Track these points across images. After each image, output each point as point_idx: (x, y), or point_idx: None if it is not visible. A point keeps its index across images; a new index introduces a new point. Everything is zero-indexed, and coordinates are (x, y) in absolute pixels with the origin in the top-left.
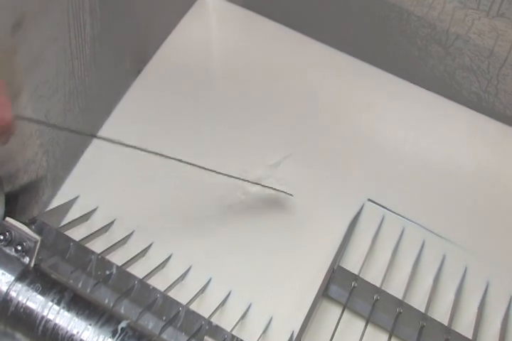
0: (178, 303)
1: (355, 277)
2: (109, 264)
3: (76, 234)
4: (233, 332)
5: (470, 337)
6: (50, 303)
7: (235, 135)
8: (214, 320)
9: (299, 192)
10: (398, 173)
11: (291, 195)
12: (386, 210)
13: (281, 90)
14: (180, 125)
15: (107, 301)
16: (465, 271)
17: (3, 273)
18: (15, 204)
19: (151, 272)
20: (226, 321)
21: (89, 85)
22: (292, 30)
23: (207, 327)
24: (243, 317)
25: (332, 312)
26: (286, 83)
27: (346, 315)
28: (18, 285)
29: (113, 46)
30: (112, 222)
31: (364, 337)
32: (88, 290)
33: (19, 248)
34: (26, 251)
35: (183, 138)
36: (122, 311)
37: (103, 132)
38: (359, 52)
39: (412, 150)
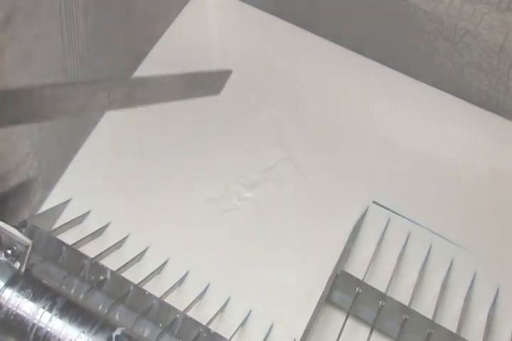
0: (175, 310)
1: (360, 282)
2: (103, 269)
3: (69, 237)
4: (232, 340)
5: None
6: (42, 310)
7: (232, 135)
8: (212, 327)
9: (300, 194)
10: (404, 174)
11: (230, 70)
12: (392, 213)
13: (280, 88)
14: (177, 124)
15: (101, 307)
16: (474, 277)
17: None
18: (5, 206)
19: (147, 277)
20: (225, 328)
21: None
22: (293, 24)
23: (205, 335)
24: (243, 324)
25: (335, 318)
26: (285, 80)
27: (350, 321)
28: (9, 291)
29: (107, 42)
30: (106, 226)
31: None
32: (81, 296)
33: (9, 252)
34: (17, 256)
35: (180, 138)
36: (117, 318)
37: (97, 131)
38: (363, 49)
39: (418, 150)
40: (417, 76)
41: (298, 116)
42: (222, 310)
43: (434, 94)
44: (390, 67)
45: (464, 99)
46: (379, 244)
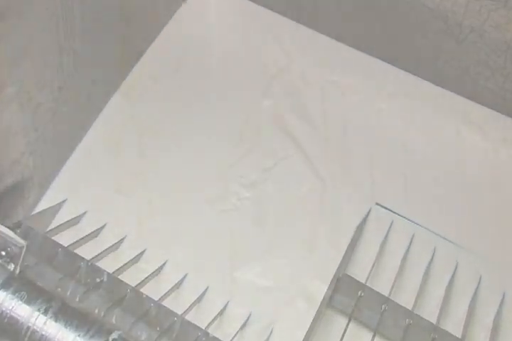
0: (173, 313)
1: (362, 286)
2: (100, 271)
3: (64, 239)
4: None
5: None
6: (37, 313)
7: (232, 135)
8: (211, 331)
9: (300, 195)
10: (407, 175)
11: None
12: (395, 215)
13: (280, 86)
14: (175, 124)
15: (97, 311)
16: (479, 280)
17: None
18: None
19: (144, 280)
20: (224, 332)
21: (79, 81)
22: (295, 22)
23: (204, 339)
24: (242, 328)
25: (337, 322)
26: (285, 79)
27: (352, 326)
28: (3, 294)
29: (105, 39)
30: (103, 227)
31: None
32: (77, 299)
33: (3, 254)
34: (11, 257)
35: (178, 138)
36: (114, 321)
37: (94, 131)
38: (366, 46)
39: (422, 151)
40: (421, 74)
41: (299, 116)
42: (221, 313)
43: (439, 93)
44: (392, 64)
45: (469, 99)
46: (382, 246)
